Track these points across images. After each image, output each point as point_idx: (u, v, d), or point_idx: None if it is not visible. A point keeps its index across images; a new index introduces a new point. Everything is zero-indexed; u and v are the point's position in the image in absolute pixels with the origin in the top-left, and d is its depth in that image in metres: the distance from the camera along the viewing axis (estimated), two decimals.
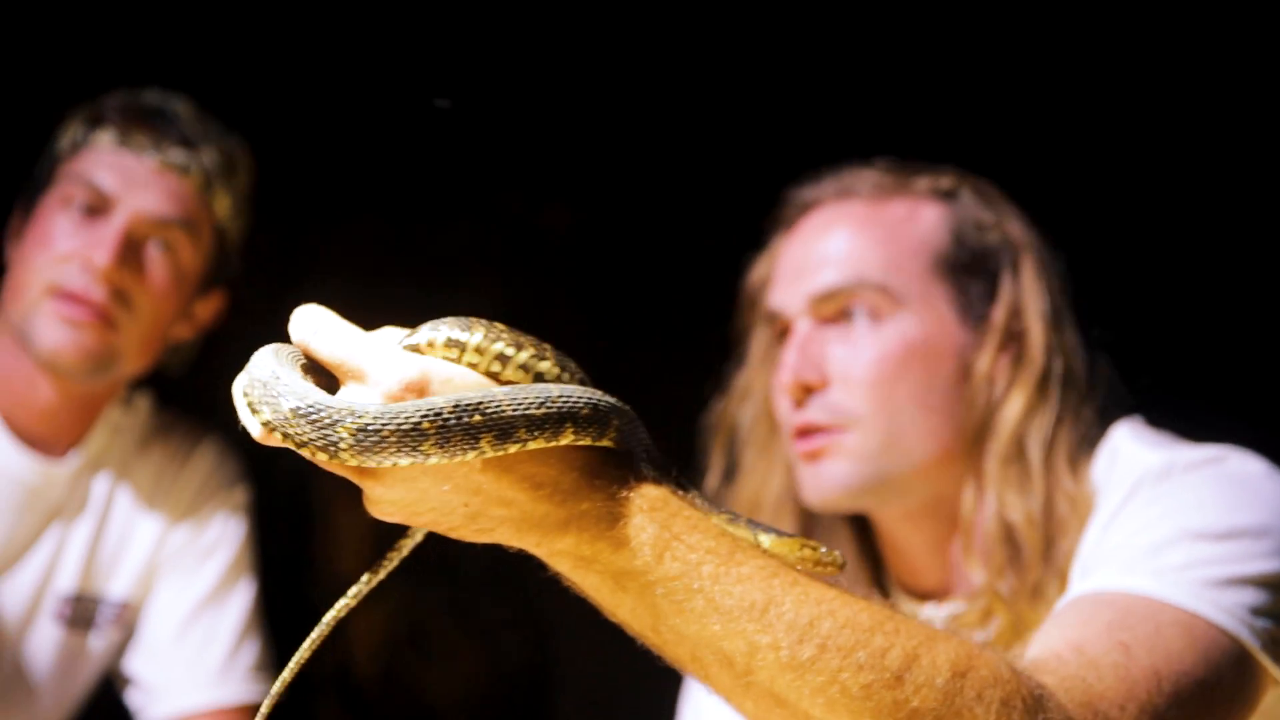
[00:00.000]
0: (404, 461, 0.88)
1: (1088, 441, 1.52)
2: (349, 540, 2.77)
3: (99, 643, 1.99)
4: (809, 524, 1.65)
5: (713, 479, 1.71)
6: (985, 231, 1.60)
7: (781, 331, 1.64)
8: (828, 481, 1.54)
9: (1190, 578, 1.22)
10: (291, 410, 0.88)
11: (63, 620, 1.96)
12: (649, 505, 0.94)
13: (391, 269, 2.61)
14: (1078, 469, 1.50)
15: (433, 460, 0.88)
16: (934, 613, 1.56)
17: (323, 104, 2.70)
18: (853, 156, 1.69)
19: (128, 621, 2.01)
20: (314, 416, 0.88)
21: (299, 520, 2.82)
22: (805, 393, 1.57)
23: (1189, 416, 1.49)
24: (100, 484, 2.00)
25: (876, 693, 0.93)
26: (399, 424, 0.87)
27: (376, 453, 0.87)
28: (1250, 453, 1.40)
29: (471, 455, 0.89)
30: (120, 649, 2.02)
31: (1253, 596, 1.22)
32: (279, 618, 2.13)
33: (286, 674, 1.03)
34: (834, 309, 1.58)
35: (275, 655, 2.05)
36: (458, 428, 0.88)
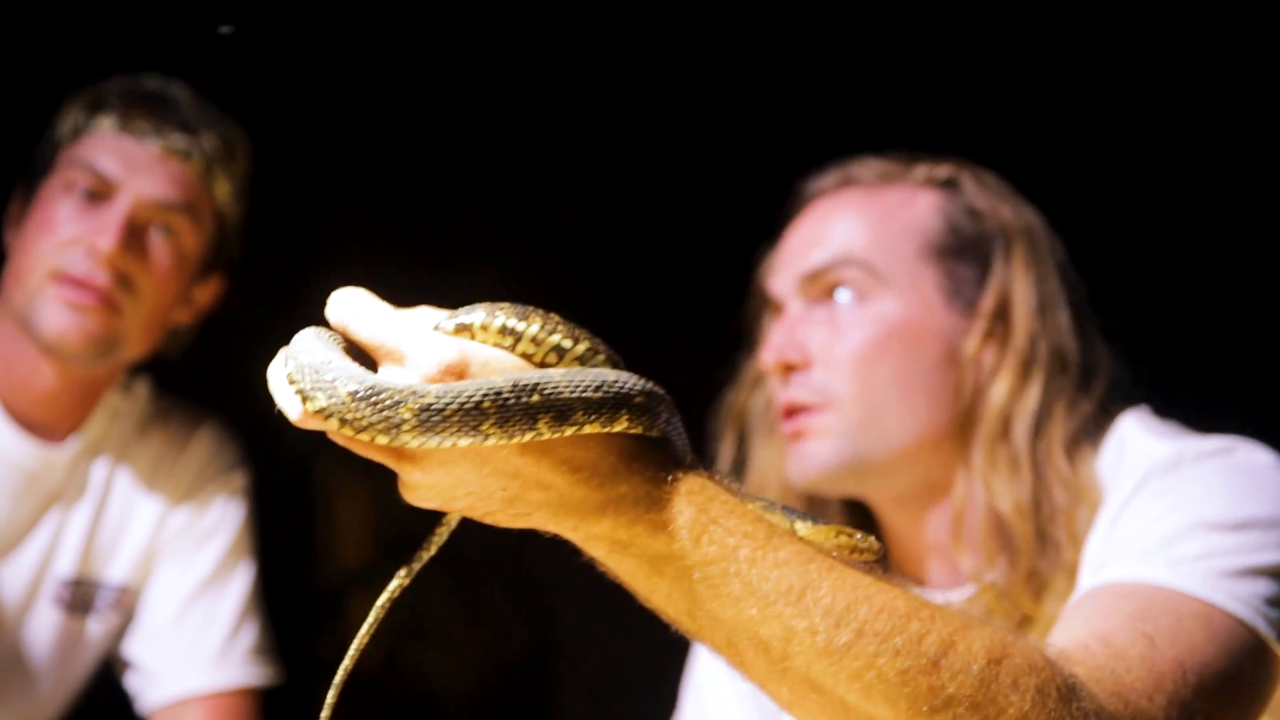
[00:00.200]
0: (463, 442, 0.87)
1: (1089, 431, 1.52)
2: (350, 526, 2.77)
3: (98, 627, 1.99)
4: (813, 512, 1.65)
5: (722, 468, 1.71)
6: (980, 219, 1.60)
7: (777, 315, 1.65)
8: (809, 461, 1.54)
9: (1206, 568, 1.23)
10: (350, 394, 0.87)
11: (62, 604, 1.97)
12: (686, 489, 0.94)
13: (393, 257, 2.60)
14: (1077, 458, 1.49)
15: (490, 441, 0.88)
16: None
17: (326, 91, 2.70)
18: (861, 145, 1.70)
19: (127, 606, 2.01)
20: (375, 399, 0.87)
21: (300, 506, 2.82)
22: (788, 372, 1.58)
23: (1196, 407, 1.49)
24: (99, 469, 2.01)
25: (913, 678, 0.93)
26: (461, 403, 0.87)
27: (438, 433, 0.87)
28: (1258, 444, 1.41)
29: (529, 436, 0.89)
30: (119, 633, 2.02)
31: (1267, 587, 1.23)
32: (280, 603, 2.13)
33: (342, 672, 1.03)
34: (821, 288, 1.59)
35: (275, 640, 2.06)
36: (517, 407, 0.88)
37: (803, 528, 1.02)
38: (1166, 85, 2.45)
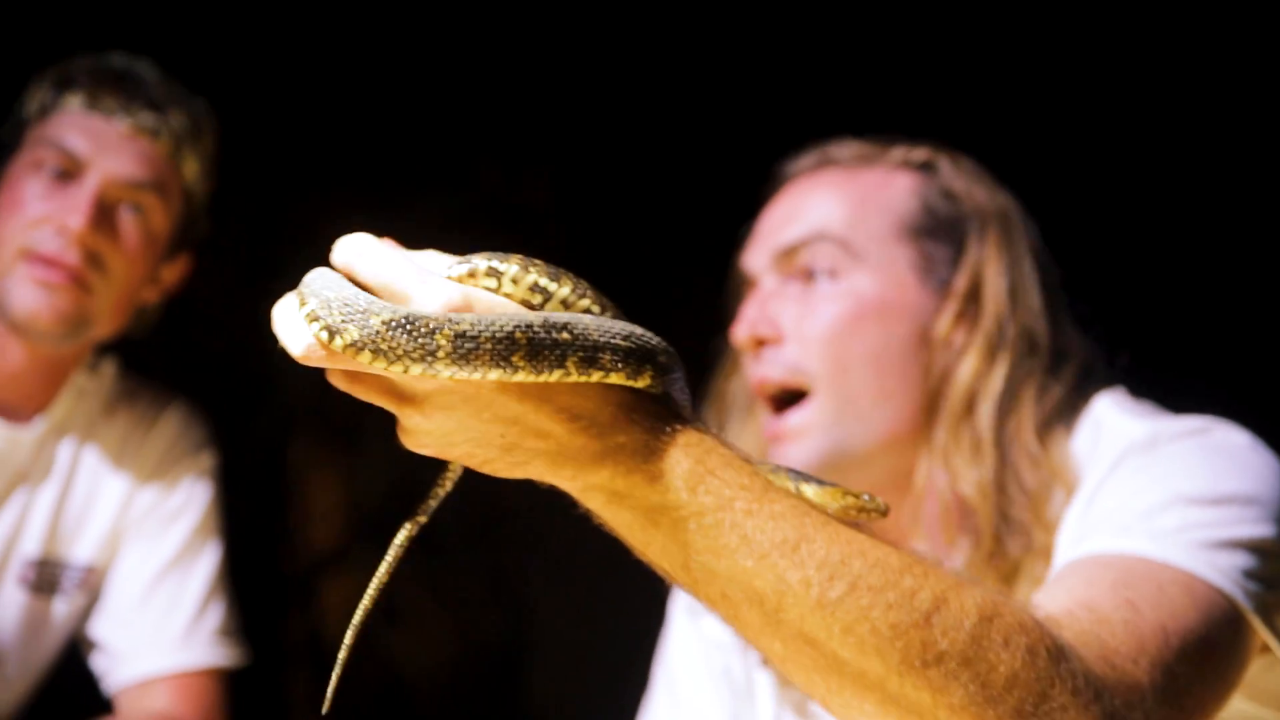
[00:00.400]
0: (493, 375, 0.88)
1: (1063, 412, 1.53)
2: (321, 508, 2.76)
3: (64, 607, 1.98)
4: None
5: None
6: (955, 201, 1.61)
7: (751, 291, 1.65)
8: (792, 463, 1.52)
9: (1185, 539, 1.24)
10: (384, 323, 0.87)
11: (27, 585, 1.95)
12: (684, 441, 0.94)
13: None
14: (1049, 439, 1.50)
15: (519, 376, 0.88)
16: None
17: (299, 71, 2.67)
18: (840, 128, 1.71)
19: (93, 586, 2.00)
20: (410, 327, 0.87)
21: (271, 487, 2.81)
22: (759, 346, 1.58)
23: (1173, 389, 1.51)
24: (65, 449, 1.99)
25: (905, 633, 0.93)
26: (494, 332, 0.88)
27: (472, 361, 0.87)
28: (1234, 424, 1.42)
29: (556, 375, 0.89)
30: (85, 613, 2.01)
31: (1244, 559, 1.25)
32: (250, 585, 2.13)
33: (348, 638, 1.03)
34: (796, 264, 1.59)
35: (245, 622, 2.05)
36: (547, 342, 0.89)
37: (810, 490, 1.02)
38: (1135, 71, 2.47)
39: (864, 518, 1.01)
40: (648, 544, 0.97)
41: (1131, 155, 2.47)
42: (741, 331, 1.60)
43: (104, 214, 1.86)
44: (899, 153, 1.64)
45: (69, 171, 1.87)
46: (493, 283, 0.94)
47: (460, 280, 0.93)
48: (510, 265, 0.95)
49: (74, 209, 1.84)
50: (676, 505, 0.93)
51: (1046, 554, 1.45)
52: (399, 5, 2.73)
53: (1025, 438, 1.50)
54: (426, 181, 2.76)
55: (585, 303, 0.97)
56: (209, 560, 2.03)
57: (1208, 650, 1.15)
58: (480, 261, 0.94)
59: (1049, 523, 1.46)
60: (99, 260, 1.86)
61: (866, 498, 1.02)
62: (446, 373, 0.87)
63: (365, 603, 1.02)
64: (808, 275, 1.58)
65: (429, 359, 0.87)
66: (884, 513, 1.02)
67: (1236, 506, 1.30)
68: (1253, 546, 1.26)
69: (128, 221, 1.89)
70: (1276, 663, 1.29)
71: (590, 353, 0.91)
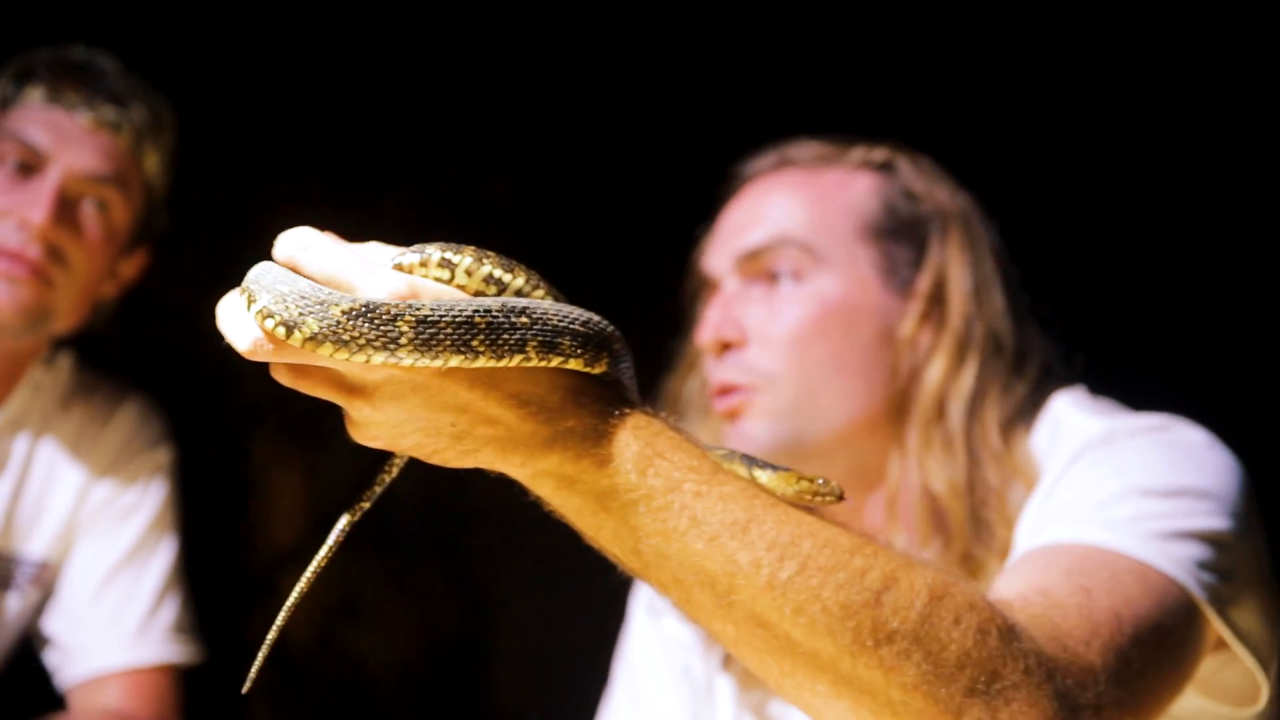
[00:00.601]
0: (454, 361, 0.87)
1: (1024, 411, 1.54)
2: (282, 504, 2.74)
3: (17, 603, 1.96)
4: None
5: None
6: (916, 201, 1.62)
7: (713, 293, 1.65)
8: (745, 441, 1.55)
9: (1140, 529, 1.25)
10: (344, 313, 0.86)
11: None
12: (632, 425, 0.94)
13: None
14: (1011, 438, 1.52)
15: (480, 361, 0.88)
16: None
17: (262, 66, 2.65)
18: (797, 128, 1.71)
19: (46, 581, 1.98)
20: (371, 315, 0.86)
21: (231, 483, 2.78)
22: (724, 350, 1.58)
23: (1131, 388, 1.53)
24: (20, 443, 1.97)
25: (856, 612, 0.94)
26: (454, 316, 0.87)
27: (434, 348, 0.87)
28: (1192, 423, 1.44)
29: (517, 360, 0.89)
30: (39, 609, 1.99)
31: (1198, 550, 1.26)
32: (210, 582, 2.11)
33: (273, 633, 1.01)
34: (759, 267, 1.60)
35: (205, 619, 2.03)
36: (506, 326, 0.88)
37: (764, 476, 1.02)
38: (1092, 69, 2.50)
39: (819, 502, 1.02)
40: (598, 529, 0.96)
41: (1088, 153, 2.50)
42: (706, 334, 1.60)
43: (66, 208, 1.85)
44: (858, 153, 1.65)
45: (30, 165, 1.85)
46: (445, 274, 0.93)
47: (410, 269, 0.93)
48: (464, 257, 0.94)
49: (36, 203, 1.82)
50: (626, 488, 0.93)
51: (1008, 551, 1.46)
52: (358, 2, 2.71)
53: (990, 437, 1.52)
54: (387, 178, 2.75)
55: (539, 294, 0.96)
56: (164, 556, 2.01)
57: (1161, 637, 1.16)
58: (434, 251, 0.94)
59: (1011, 520, 1.48)
60: (60, 254, 1.85)
61: (821, 482, 1.02)
62: (408, 360, 0.87)
63: (302, 585, 1.00)
64: (771, 278, 1.58)
65: (391, 346, 0.86)
66: (839, 497, 1.03)
67: (1191, 499, 1.31)
68: (1207, 538, 1.28)
69: (89, 216, 1.88)
70: (1234, 659, 1.30)
71: (550, 337, 0.91)
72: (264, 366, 0.93)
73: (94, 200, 1.88)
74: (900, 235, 1.60)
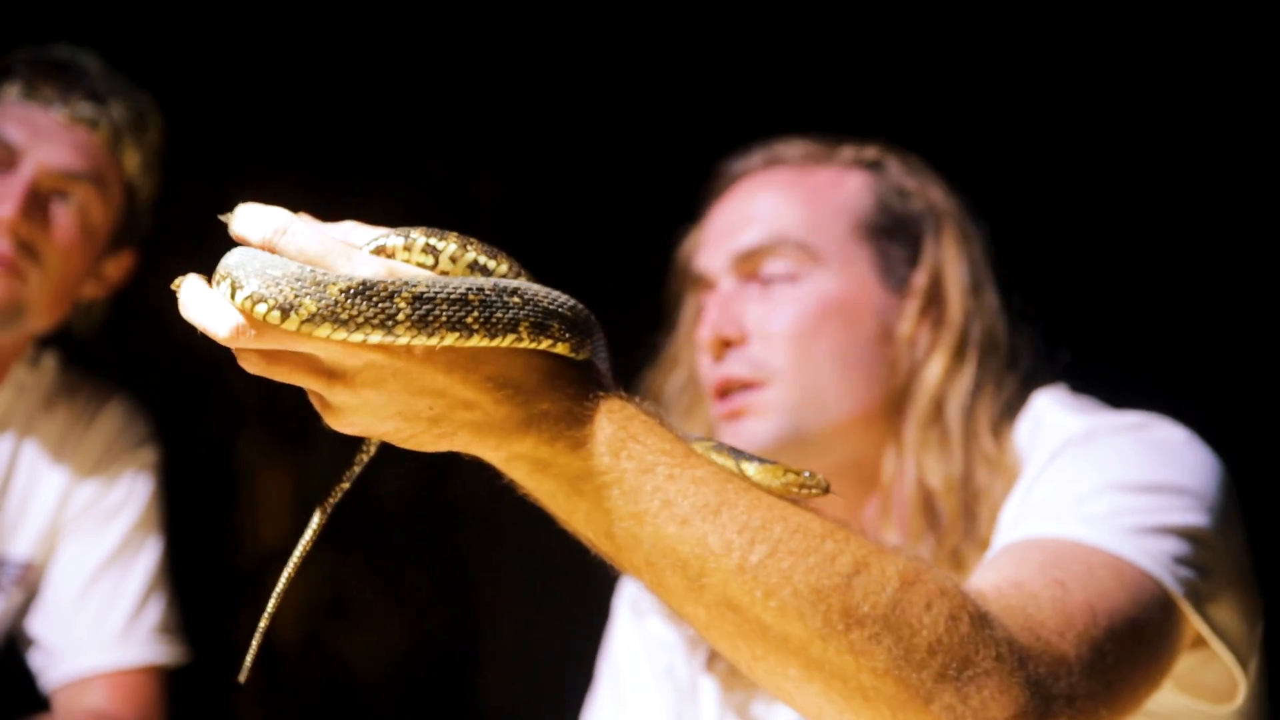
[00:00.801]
0: (450, 339, 0.87)
1: (1010, 409, 1.55)
2: (268, 504, 2.73)
3: (0, 603, 1.94)
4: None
5: None
6: (909, 199, 1.62)
7: (706, 292, 1.66)
8: (748, 440, 1.55)
9: (1116, 524, 1.25)
10: (342, 291, 0.85)
11: None
12: (607, 408, 0.94)
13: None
14: (1000, 435, 1.53)
15: (474, 340, 0.88)
16: None
17: (248, 65, 2.64)
18: (783, 128, 1.71)
19: (30, 582, 1.97)
20: (369, 292, 0.85)
21: (218, 483, 2.77)
22: (724, 347, 1.59)
23: (1114, 387, 1.53)
24: (4, 443, 1.96)
25: (827, 595, 0.94)
26: (448, 293, 0.87)
27: (430, 324, 0.87)
28: (1173, 421, 1.44)
29: (509, 340, 0.89)
30: (23, 610, 1.98)
31: (1174, 546, 1.26)
32: (196, 582, 2.10)
33: (264, 620, 1.01)
34: (755, 267, 1.60)
35: (191, 620, 2.03)
36: (499, 305, 0.89)
37: (751, 468, 1.03)
38: (1077, 68, 2.51)
39: (805, 495, 1.02)
40: (572, 513, 0.97)
41: (1077, 152, 2.52)
42: (706, 333, 1.60)
43: (37, 203, 1.84)
44: (849, 152, 1.65)
45: (3, 161, 1.84)
46: (429, 259, 0.93)
47: (392, 252, 0.93)
48: (448, 243, 0.94)
49: (6, 198, 1.81)
50: (600, 471, 0.94)
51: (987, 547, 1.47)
52: (345, 1, 2.71)
53: (984, 434, 1.52)
54: (375, 175, 2.75)
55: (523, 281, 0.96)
56: (149, 557, 2.00)
57: (1136, 631, 1.16)
58: (418, 236, 0.94)
59: (993, 515, 1.48)
60: (32, 250, 1.83)
61: (807, 474, 1.03)
62: (405, 338, 0.87)
63: (289, 570, 1.00)
64: (768, 278, 1.59)
65: (389, 324, 0.86)
66: (825, 489, 1.03)
67: (1168, 495, 1.31)
68: (1184, 534, 1.28)
69: (62, 212, 1.86)
70: (1213, 657, 1.31)
71: (541, 319, 0.91)
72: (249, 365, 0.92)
73: (68, 196, 1.87)
74: (895, 233, 1.61)
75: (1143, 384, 1.53)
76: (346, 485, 1.03)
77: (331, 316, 0.85)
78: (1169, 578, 1.23)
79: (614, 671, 1.73)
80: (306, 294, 0.85)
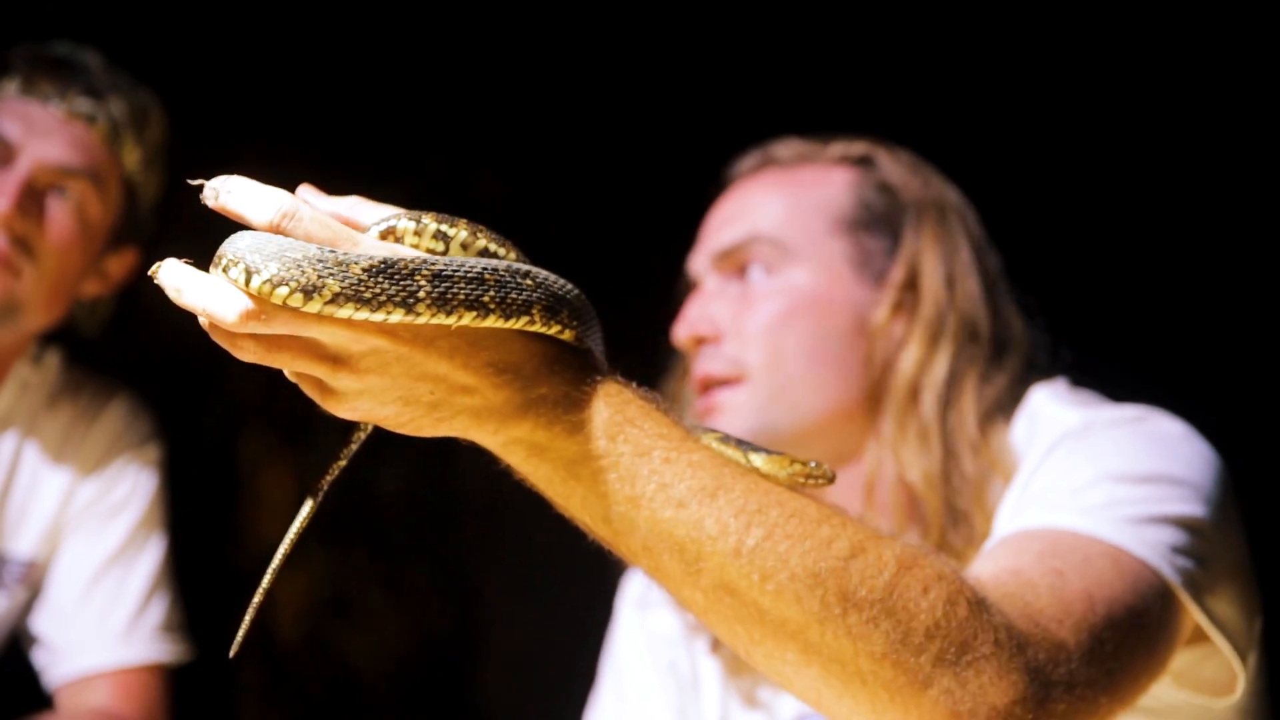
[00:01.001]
0: (467, 318, 0.88)
1: (1004, 403, 1.55)
2: (271, 501, 2.74)
3: (3, 602, 1.95)
4: None
5: None
6: (892, 193, 1.63)
7: (694, 292, 1.67)
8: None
9: (1113, 514, 1.25)
10: (365, 270, 0.85)
11: None
12: (604, 392, 0.95)
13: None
14: (990, 429, 1.52)
15: (490, 321, 0.89)
16: None
17: (249, 62, 2.64)
18: (786, 126, 1.72)
19: (34, 581, 1.97)
20: (390, 271, 0.85)
21: (221, 481, 2.77)
22: (699, 344, 1.60)
23: (1115, 381, 1.53)
24: (7, 441, 1.96)
25: (823, 579, 0.94)
26: (465, 272, 0.88)
27: (449, 303, 0.87)
28: (1170, 414, 1.44)
29: (522, 321, 0.90)
30: (26, 608, 1.98)
31: (1172, 535, 1.25)
32: (199, 580, 2.10)
33: (250, 611, 1.01)
34: (733, 264, 1.62)
35: (194, 617, 2.03)
36: (514, 285, 0.89)
37: (759, 460, 1.03)
38: (1081, 62, 2.51)
39: (812, 485, 1.03)
40: (568, 497, 0.97)
41: (1078, 149, 2.52)
42: (681, 331, 1.62)
43: (33, 198, 1.83)
44: (837, 148, 1.66)
45: (1, 156, 1.83)
46: (439, 246, 0.94)
47: (402, 235, 0.93)
48: (459, 230, 0.95)
49: (1, 193, 1.80)
50: (596, 455, 0.94)
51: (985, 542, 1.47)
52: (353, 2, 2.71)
53: (967, 427, 1.52)
54: (376, 171, 2.75)
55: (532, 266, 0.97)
56: (152, 555, 2.00)
57: (1134, 619, 1.16)
58: (429, 222, 0.94)
59: (989, 512, 1.48)
60: (28, 245, 1.83)
61: (813, 465, 1.03)
62: (425, 316, 0.87)
63: (284, 547, 1.01)
64: (745, 275, 1.60)
65: (410, 302, 0.86)
66: (830, 480, 1.04)
67: (1165, 485, 1.31)
68: (1181, 524, 1.28)
69: (58, 208, 1.86)
70: (1213, 652, 1.31)
71: (554, 303, 0.92)
72: (253, 364, 0.92)
73: (64, 192, 1.86)
74: (874, 227, 1.61)
75: (1143, 380, 1.53)
76: (344, 463, 1.03)
77: (355, 296, 0.85)
78: (1167, 567, 1.23)
79: (616, 668, 1.73)
80: (330, 274, 0.85)
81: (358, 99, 2.76)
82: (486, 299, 0.88)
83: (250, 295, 0.86)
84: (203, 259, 0.90)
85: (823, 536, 0.95)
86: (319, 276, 0.85)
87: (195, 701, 2.05)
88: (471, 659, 3.01)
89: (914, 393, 1.54)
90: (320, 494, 1.01)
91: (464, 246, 0.95)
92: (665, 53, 2.73)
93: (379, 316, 0.86)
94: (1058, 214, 2.47)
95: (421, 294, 0.86)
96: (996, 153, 2.39)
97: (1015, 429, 1.53)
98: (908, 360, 1.55)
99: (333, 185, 0.99)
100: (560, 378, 0.94)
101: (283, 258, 0.86)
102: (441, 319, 0.87)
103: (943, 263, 1.59)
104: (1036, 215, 2.39)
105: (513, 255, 0.97)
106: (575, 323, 0.93)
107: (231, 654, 1.02)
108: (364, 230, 0.96)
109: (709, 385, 1.59)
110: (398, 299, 0.86)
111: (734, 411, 1.56)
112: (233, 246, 0.88)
